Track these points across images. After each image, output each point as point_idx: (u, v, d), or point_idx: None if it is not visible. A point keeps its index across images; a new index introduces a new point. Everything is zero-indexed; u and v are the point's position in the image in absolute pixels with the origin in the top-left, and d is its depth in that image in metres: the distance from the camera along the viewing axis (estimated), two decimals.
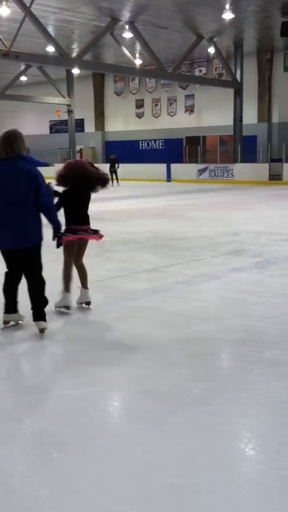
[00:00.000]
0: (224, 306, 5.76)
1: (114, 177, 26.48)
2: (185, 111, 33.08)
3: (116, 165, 27.71)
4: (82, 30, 23.98)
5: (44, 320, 4.82)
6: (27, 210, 4.62)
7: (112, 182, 26.48)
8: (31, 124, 38.46)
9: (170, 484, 2.64)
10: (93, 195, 5.58)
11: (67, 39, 25.11)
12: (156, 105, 34.40)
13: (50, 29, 22.44)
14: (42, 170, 5.01)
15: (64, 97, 32.77)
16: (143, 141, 35.09)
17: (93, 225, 5.62)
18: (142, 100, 34.93)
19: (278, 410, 3.41)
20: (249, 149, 28.38)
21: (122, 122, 36.26)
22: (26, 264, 4.80)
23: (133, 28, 22.63)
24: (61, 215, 5.25)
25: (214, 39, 25.44)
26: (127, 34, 23.31)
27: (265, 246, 9.24)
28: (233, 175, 28.14)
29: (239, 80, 28.00)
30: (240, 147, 28.23)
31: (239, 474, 2.76)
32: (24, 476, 2.76)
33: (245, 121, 28.39)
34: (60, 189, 5.41)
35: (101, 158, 36.22)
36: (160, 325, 5.10)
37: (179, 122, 33.15)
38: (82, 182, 5.33)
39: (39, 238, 4.76)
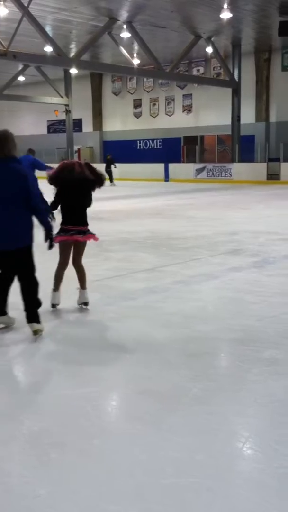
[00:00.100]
0: (222, 305, 5.77)
1: (109, 177, 26.43)
2: (183, 111, 33.10)
3: (112, 165, 27.47)
4: (80, 30, 23.99)
5: (38, 322, 4.77)
6: (17, 211, 4.57)
7: (111, 182, 26.50)
8: (29, 124, 38.52)
9: (168, 484, 2.64)
10: (93, 195, 5.58)
11: (65, 39, 25.12)
12: (154, 104, 34.41)
13: (48, 29, 22.44)
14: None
15: (62, 97, 32.80)
16: (141, 141, 35.10)
17: (91, 225, 5.62)
18: (140, 99, 34.94)
19: (276, 409, 3.42)
20: (247, 149, 28.42)
21: (120, 122, 36.25)
22: (18, 266, 4.73)
23: (131, 28, 22.63)
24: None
25: (212, 39, 25.48)
26: (125, 34, 23.34)
27: (263, 245, 9.26)
28: (231, 175, 28.17)
29: (237, 80, 28.02)
30: (238, 146, 28.26)
31: (238, 473, 2.77)
32: (22, 476, 2.76)
33: (243, 120, 28.42)
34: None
35: (99, 158, 36.21)
36: (158, 325, 5.10)
37: (177, 121, 33.16)
38: (70, 183, 5.39)
39: (29, 239, 4.69)
